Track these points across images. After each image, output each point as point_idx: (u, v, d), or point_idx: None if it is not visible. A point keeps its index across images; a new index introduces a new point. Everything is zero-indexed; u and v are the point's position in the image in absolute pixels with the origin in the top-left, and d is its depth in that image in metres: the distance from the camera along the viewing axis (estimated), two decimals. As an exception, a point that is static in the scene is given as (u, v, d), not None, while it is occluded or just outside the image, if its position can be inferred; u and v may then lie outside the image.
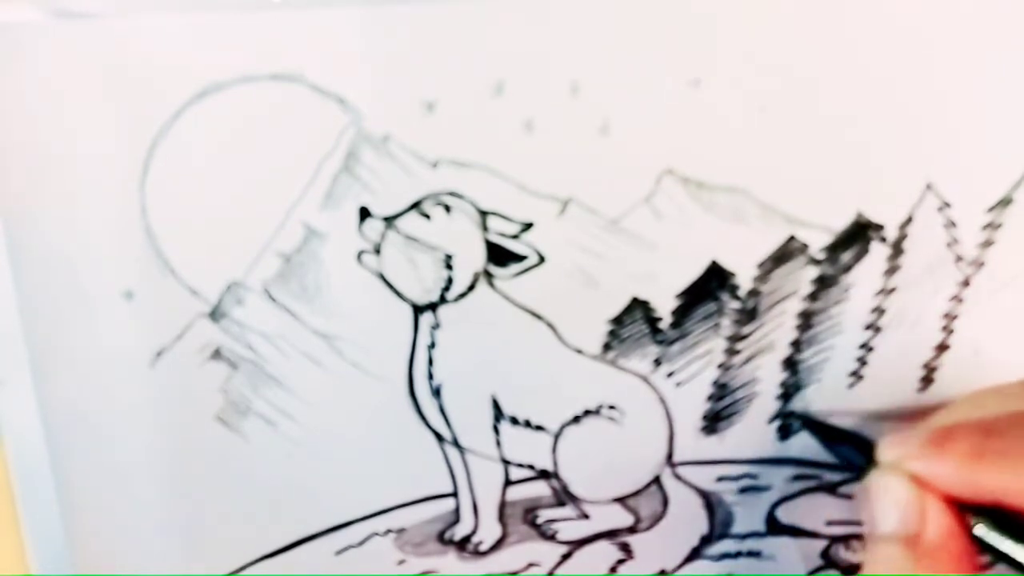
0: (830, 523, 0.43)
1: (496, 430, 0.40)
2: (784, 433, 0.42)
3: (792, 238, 0.39)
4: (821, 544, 0.43)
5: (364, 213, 0.37)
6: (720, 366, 0.41)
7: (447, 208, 0.37)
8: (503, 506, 0.42)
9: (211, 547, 0.41)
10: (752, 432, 0.42)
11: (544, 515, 0.42)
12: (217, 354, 0.38)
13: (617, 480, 0.42)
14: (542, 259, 0.38)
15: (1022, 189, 0.39)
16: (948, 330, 0.40)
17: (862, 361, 0.41)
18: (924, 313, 0.40)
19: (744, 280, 0.39)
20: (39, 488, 0.39)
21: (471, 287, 0.38)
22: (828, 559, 0.44)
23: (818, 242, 0.39)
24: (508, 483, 0.41)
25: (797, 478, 0.43)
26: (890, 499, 0.32)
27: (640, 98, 0.36)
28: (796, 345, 0.41)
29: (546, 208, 0.37)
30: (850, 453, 0.36)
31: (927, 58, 0.37)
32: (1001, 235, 0.39)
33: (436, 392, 0.40)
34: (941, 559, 0.31)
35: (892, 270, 0.40)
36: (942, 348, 0.41)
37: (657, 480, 0.42)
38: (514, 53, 0.35)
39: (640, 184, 0.37)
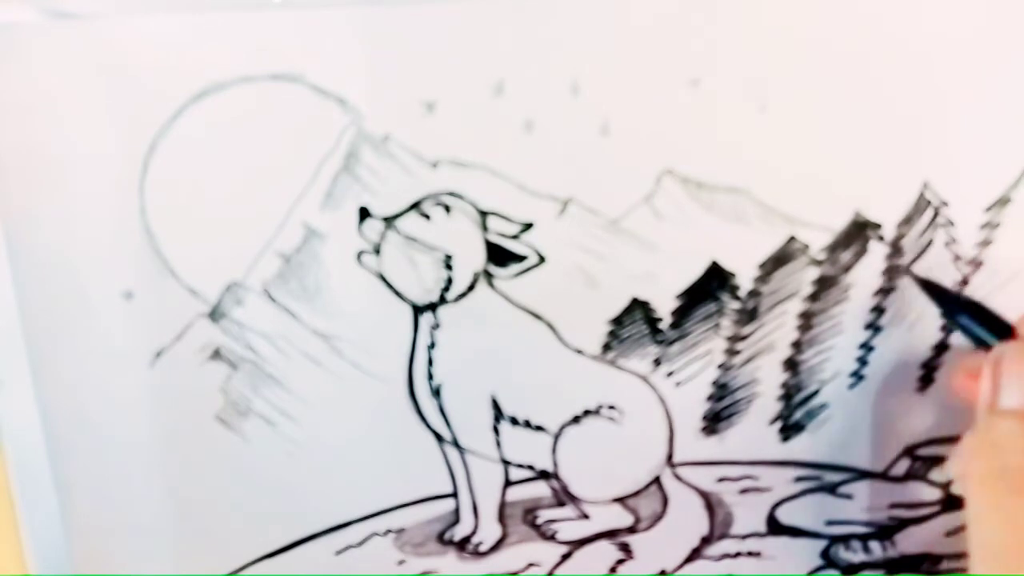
0: (830, 523, 0.43)
1: (496, 430, 0.40)
2: (785, 434, 0.42)
3: (792, 239, 0.39)
4: (821, 544, 0.43)
5: (364, 213, 0.37)
6: (720, 366, 0.41)
7: (447, 208, 0.37)
8: (503, 506, 0.42)
9: (211, 547, 0.41)
10: (753, 433, 0.42)
11: (544, 515, 0.42)
12: (217, 354, 0.38)
13: (617, 480, 0.42)
14: (542, 259, 0.38)
15: (1020, 189, 0.39)
16: (948, 330, 0.40)
17: (862, 361, 0.41)
18: (924, 313, 0.40)
19: (744, 281, 0.39)
20: (39, 488, 0.39)
21: (471, 287, 0.38)
22: (828, 559, 0.44)
23: (818, 242, 0.39)
24: (508, 483, 0.41)
25: (797, 479, 0.43)
26: None
27: (640, 98, 0.36)
28: (796, 346, 0.41)
29: (546, 208, 0.37)
30: (969, 323, 0.36)
31: (926, 58, 0.37)
32: (999, 235, 0.39)
33: (436, 392, 0.40)
34: None
35: (891, 269, 0.40)
36: (942, 348, 0.41)
37: (657, 480, 0.42)
38: (514, 53, 0.35)
39: (640, 184, 0.37)
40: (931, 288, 0.39)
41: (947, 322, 0.38)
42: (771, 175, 0.38)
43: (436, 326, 0.39)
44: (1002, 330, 0.36)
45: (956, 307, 0.38)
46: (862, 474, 0.43)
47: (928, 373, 0.41)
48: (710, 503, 0.43)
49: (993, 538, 0.31)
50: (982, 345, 0.36)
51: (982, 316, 0.37)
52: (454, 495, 0.41)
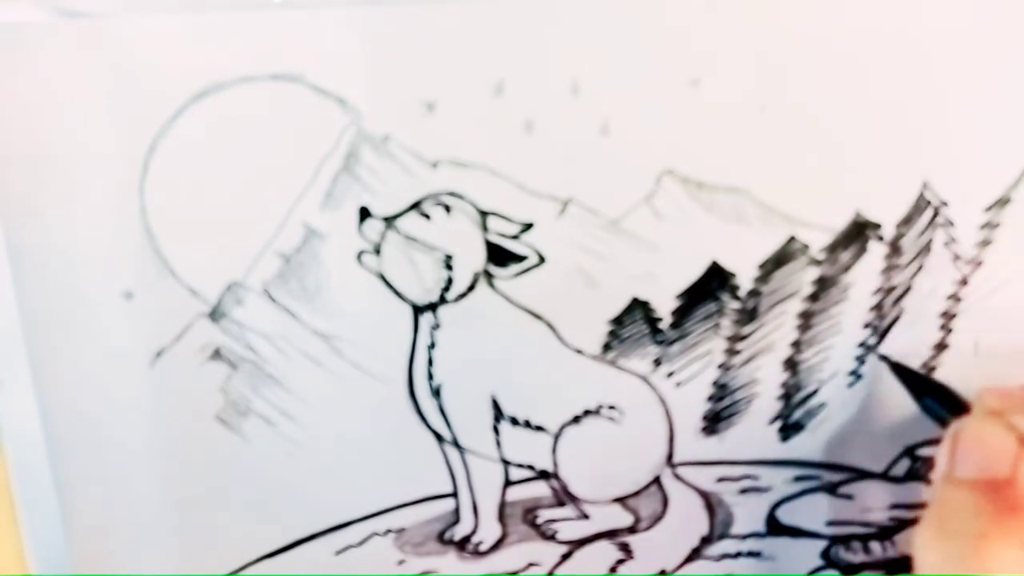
0: (830, 523, 0.43)
1: (496, 430, 0.40)
2: (785, 434, 0.42)
3: (792, 238, 0.39)
4: (821, 544, 0.43)
5: (364, 213, 0.37)
6: (720, 366, 0.41)
7: (447, 208, 0.37)
8: (503, 506, 0.42)
9: (211, 547, 0.41)
10: (752, 433, 0.42)
11: (544, 515, 0.42)
12: (217, 354, 0.38)
13: (617, 480, 0.42)
14: (542, 259, 0.38)
15: (1020, 189, 0.39)
16: (947, 329, 0.41)
17: (862, 361, 0.41)
18: (923, 313, 0.40)
19: (744, 280, 0.39)
20: (39, 488, 0.39)
21: (471, 287, 0.38)
22: (828, 559, 0.44)
23: (818, 242, 0.39)
24: (508, 483, 0.41)
25: (797, 479, 0.43)
26: (982, 445, 0.34)
27: (640, 98, 0.36)
28: (796, 345, 0.41)
29: (546, 208, 0.37)
30: (933, 404, 0.39)
31: (925, 58, 0.37)
32: (999, 235, 0.39)
33: (436, 392, 0.40)
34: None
35: (890, 269, 0.40)
36: (941, 348, 0.41)
37: (657, 480, 0.42)
38: (514, 53, 0.35)
39: (640, 184, 0.37)
40: (900, 371, 0.40)
41: (915, 402, 0.40)
42: (771, 175, 0.38)
43: (436, 326, 0.39)
44: (961, 409, 0.38)
45: (922, 389, 0.40)
46: (862, 474, 0.43)
47: (928, 373, 0.41)
48: (710, 503, 0.43)
49: None
50: (943, 423, 0.38)
51: (944, 397, 0.39)
52: (454, 495, 0.41)
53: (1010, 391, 0.37)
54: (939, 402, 0.39)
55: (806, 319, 0.40)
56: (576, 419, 0.41)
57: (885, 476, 0.43)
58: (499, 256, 0.38)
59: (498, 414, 0.40)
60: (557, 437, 0.41)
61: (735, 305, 0.40)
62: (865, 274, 0.40)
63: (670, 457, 0.42)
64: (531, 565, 0.43)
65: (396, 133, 0.36)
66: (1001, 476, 0.34)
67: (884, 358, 0.40)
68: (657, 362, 0.40)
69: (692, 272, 0.39)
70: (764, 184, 0.38)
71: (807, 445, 0.42)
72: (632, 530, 0.43)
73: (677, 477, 0.42)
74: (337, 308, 0.38)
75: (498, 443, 0.41)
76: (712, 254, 0.39)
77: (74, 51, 0.34)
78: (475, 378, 0.40)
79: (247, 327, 0.38)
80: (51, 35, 0.34)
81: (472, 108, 0.36)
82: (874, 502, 0.43)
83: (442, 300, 0.38)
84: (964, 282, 0.40)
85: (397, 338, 0.39)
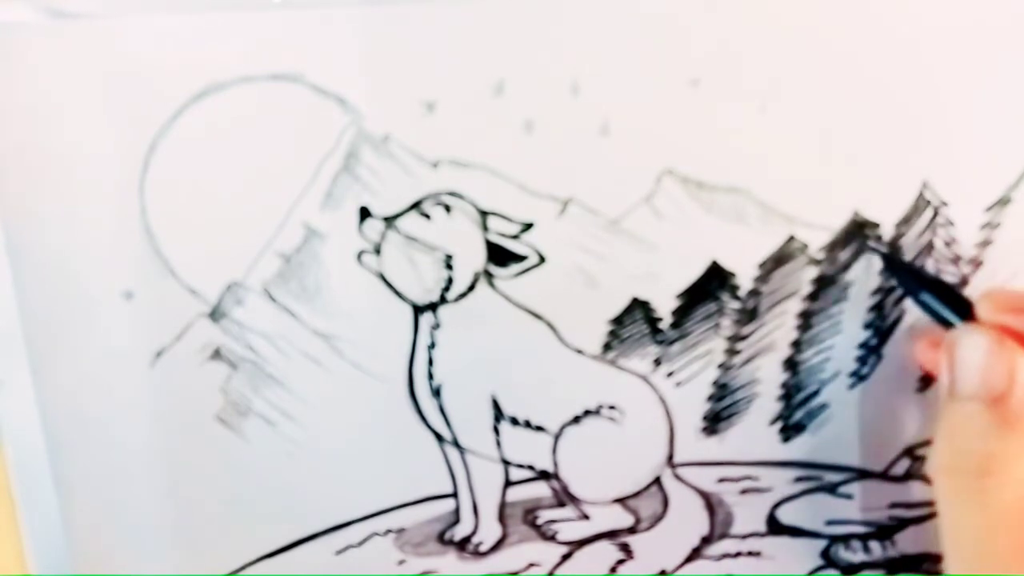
0: (830, 523, 0.43)
1: (496, 430, 0.40)
2: (786, 435, 0.42)
3: (792, 238, 0.39)
4: (821, 544, 0.43)
5: (364, 213, 0.37)
6: (720, 366, 0.41)
7: (447, 208, 0.37)
8: (503, 506, 0.42)
9: (211, 547, 0.41)
10: (753, 433, 0.42)
11: (544, 515, 0.42)
12: (217, 354, 0.38)
13: (617, 480, 0.42)
14: (542, 259, 0.38)
15: (1020, 189, 0.39)
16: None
17: (862, 361, 0.41)
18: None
19: (744, 280, 0.39)
20: (39, 488, 0.39)
21: (471, 287, 0.38)
22: (828, 559, 0.44)
23: (817, 241, 0.39)
24: (508, 483, 0.41)
25: (797, 479, 0.43)
26: (980, 356, 0.32)
27: (640, 98, 0.36)
28: (796, 345, 0.41)
29: (546, 208, 0.38)
30: (932, 302, 0.36)
31: (925, 58, 0.37)
32: (999, 235, 0.39)
33: (436, 392, 0.40)
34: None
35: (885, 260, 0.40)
36: (942, 348, 0.41)
37: (657, 481, 0.42)
38: (514, 53, 0.35)
39: (640, 184, 0.38)
40: (894, 264, 0.39)
41: (910, 299, 0.38)
42: (771, 175, 0.38)
43: (436, 326, 0.39)
44: (963, 309, 0.36)
45: (918, 284, 0.37)
46: (862, 474, 0.42)
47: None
48: (710, 503, 0.43)
49: (964, 522, 0.32)
50: (943, 323, 0.36)
51: (944, 294, 0.37)
52: (454, 495, 0.41)
53: (1009, 296, 0.35)
54: (938, 299, 0.36)
55: (806, 319, 0.40)
56: (576, 419, 0.41)
57: (885, 476, 0.43)
58: (499, 256, 0.38)
59: (498, 414, 0.40)
60: (557, 437, 0.41)
61: (735, 305, 0.40)
62: (865, 274, 0.40)
63: (670, 457, 0.42)
64: (531, 565, 0.43)
65: (396, 133, 0.36)
66: (1000, 390, 0.31)
67: (874, 249, 0.39)
68: (657, 362, 0.40)
69: (692, 272, 0.39)
70: (764, 184, 0.38)
71: (808, 445, 0.42)
72: (632, 530, 0.43)
73: (677, 477, 0.42)
74: (337, 308, 0.38)
75: (498, 443, 0.41)
76: (712, 254, 0.39)
77: (73, 51, 0.34)
78: (475, 378, 0.40)
79: (247, 327, 0.38)
80: (51, 35, 0.34)
81: (472, 108, 0.36)
82: (874, 502, 0.43)
83: (442, 300, 0.38)
84: (964, 282, 0.40)
85: (397, 338, 0.39)
